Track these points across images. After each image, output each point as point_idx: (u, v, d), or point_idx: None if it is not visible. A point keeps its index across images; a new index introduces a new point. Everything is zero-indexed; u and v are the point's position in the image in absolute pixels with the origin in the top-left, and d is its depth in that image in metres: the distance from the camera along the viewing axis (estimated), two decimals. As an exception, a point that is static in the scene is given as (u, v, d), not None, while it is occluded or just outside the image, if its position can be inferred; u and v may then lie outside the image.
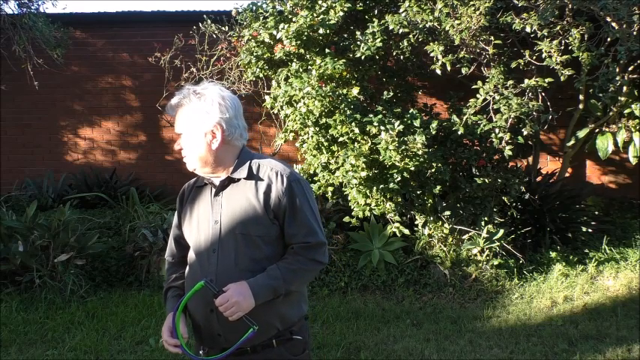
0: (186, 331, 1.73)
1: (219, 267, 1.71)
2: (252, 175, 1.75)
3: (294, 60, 4.74)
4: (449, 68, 4.48)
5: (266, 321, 1.70)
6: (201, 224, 1.79)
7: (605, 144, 4.99)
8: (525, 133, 4.44)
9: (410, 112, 4.43)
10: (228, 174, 1.76)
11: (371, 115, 4.29)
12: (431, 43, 4.50)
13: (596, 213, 5.52)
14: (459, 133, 4.46)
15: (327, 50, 4.62)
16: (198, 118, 1.73)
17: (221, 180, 1.77)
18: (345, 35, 4.96)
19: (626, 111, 4.88)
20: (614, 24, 4.23)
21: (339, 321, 4.07)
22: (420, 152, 4.12)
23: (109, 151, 6.82)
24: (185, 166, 1.81)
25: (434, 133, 4.32)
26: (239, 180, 1.75)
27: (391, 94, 4.99)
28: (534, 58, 4.45)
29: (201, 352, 1.79)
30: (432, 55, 4.50)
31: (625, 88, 4.79)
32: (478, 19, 4.22)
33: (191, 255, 1.84)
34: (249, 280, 1.66)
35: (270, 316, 1.72)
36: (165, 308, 1.88)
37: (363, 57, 4.55)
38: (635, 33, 4.17)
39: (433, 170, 4.37)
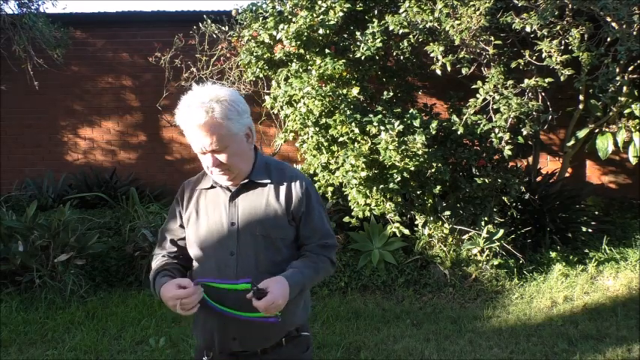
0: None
1: (238, 270, 1.67)
2: (271, 178, 1.75)
3: (294, 60, 4.74)
4: (449, 68, 4.48)
5: (283, 322, 1.69)
6: (214, 227, 1.73)
7: (605, 144, 4.99)
8: (525, 132, 4.43)
9: (410, 112, 4.43)
10: (246, 177, 1.73)
11: (371, 115, 4.29)
12: (431, 44, 4.50)
13: (596, 213, 5.53)
14: (459, 133, 4.46)
15: (327, 50, 4.62)
16: (235, 125, 1.62)
17: (242, 183, 1.73)
18: (345, 35, 4.96)
19: (626, 111, 4.88)
20: (614, 24, 4.23)
21: (339, 321, 4.07)
22: (420, 152, 4.12)
23: (109, 151, 6.82)
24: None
25: (434, 133, 4.32)
26: (258, 183, 1.74)
27: (391, 94, 4.99)
28: (534, 58, 4.45)
29: (205, 359, 1.77)
30: (432, 55, 4.50)
31: (625, 88, 4.79)
32: (478, 20, 4.22)
33: (200, 258, 1.76)
34: (287, 276, 1.62)
35: (288, 317, 1.71)
36: (155, 287, 1.72)
37: (363, 57, 4.55)
38: (635, 33, 4.17)
39: (433, 170, 4.37)
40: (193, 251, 1.78)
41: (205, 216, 1.76)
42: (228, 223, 1.72)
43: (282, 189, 1.74)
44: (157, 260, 1.84)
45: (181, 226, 1.83)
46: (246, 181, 1.73)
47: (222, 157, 1.63)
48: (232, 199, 1.73)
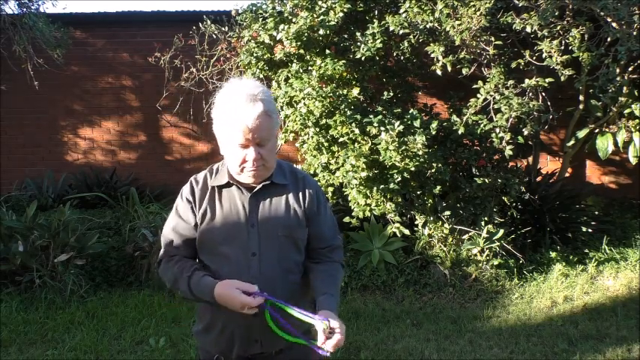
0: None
1: (261, 271, 1.66)
2: (287, 180, 1.76)
3: (295, 61, 4.74)
4: (449, 68, 4.48)
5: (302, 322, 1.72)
6: (232, 227, 1.69)
7: (605, 144, 4.99)
8: (526, 132, 4.44)
9: (410, 112, 4.43)
10: (266, 178, 1.72)
11: (371, 116, 4.29)
12: (431, 44, 4.50)
13: (596, 213, 5.53)
14: (459, 133, 4.46)
15: (327, 51, 4.62)
16: (276, 121, 1.66)
17: (264, 184, 1.71)
18: (346, 36, 4.96)
19: (626, 111, 4.88)
20: (614, 24, 4.23)
21: (339, 321, 4.07)
22: (420, 152, 4.12)
23: (109, 151, 6.82)
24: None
25: (434, 133, 4.32)
26: (277, 184, 1.74)
27: (391, 94, 4.99)
28: (534, 58, 4.45)
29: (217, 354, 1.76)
30: (432, 55, 4.50)
31: (625, 88, 4.79)
32: (478, 20, 4.22)
33: (217, 259, 1.70)
34: (332, 308, 1.63)
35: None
36: (195, 284, 1.64)
37: (363, 58, 4.55)
38: (635, 33, 4.17)
39: (433, 170, 4.37)
40: (207, 252, 1.72)
41: (221, 215, 1.70)
42: (247, 224, 1.69)
43: (299, 190, 1.76)
44: (180, 261, 1.72)
45: (195, 225, 1.73)
46: (268, 182, 1.72)
47: (263, 151, 1.62)
48: (252, 200, 1.71)
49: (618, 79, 4.44)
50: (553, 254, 4.87)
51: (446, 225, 4.75)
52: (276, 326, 1.60)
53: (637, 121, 4.87)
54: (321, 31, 4.50)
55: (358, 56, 4.55)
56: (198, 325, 1.82)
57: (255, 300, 1.55)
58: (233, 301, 1.56)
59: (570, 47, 4.29)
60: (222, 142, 1.69)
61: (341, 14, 4.49)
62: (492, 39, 4.49)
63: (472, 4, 4.25)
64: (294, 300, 1.64)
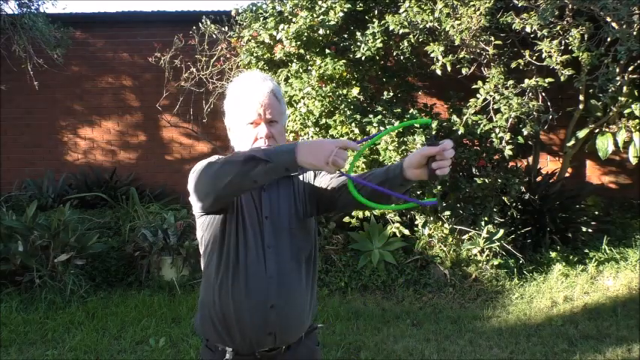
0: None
1: (278, 264, 1.65)
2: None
3: (294, 60, 4.74)
4: (449, 68, 4.48)
5: (307, 314, 1.73)
6: (248, 219, 1.68)
7: (605, 144, 4.99)
8: (525, 133, 4.44)
9: (410, 112, 4.43)
10: None
11: (371, 116, 4.29)
12: (431, 44, 4.50)
13: (596, 213, 5.53)
14: (459, 133, 4.46)
15: (327, 51, 4.62)
16: (284, 108, 1.73)
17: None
18: (345, 36, 4.96)
19: (626, 111, 4.88)
20: (614, 24, 4.23)
21: (339, 321, 4.07)
22: (420, 152, 4.11)
23: (109, 151, 6.82)
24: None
25: (434, 133, 4.32)
26: (285, 177, 1.72)
27: (391, 94, 4.99)
28: (534, 58, 4.45)
29: (228, 348, 1.67)
30: (432, 55, 4.50)
31: (625, 88, 4.79)
32: (478, 20, 4.22)
33: (230, 250, 1.66)
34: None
35: (311, 308, 1.75)
36: (276, 150, 1.45)
37: (363, 57, 4.55)
38: (635, 33, 4.17)
39: (433, 170, 4.36)
40: (226, 240, 1.67)
41: (239, 205, 1.69)
42: (262, 216, 1.69)
43: (300, 180, 1.77)
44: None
45: None
46: None
47: (274, 130, 1.67)
48: (264, 193, 1.71)
49: (618, 79, 4.44)
50: (553, 254, 4.87)
51: (446, 225, 4.75)
52: (359, 194, 1.43)
53: (637, 121, 4.87)
54: (321, 31, 4.50)
55: (358, 56, 4.55)
56: (204, 310, 1.72)
57: (353, 143, 1.39)
58: (323, 146, 1.37)
59: (570, 47, 4.29)
60: (233, 128, 1.73)
61: (341, 14, 4.49)
62: (492, 39, 4.49)
63: (472, 3, 4.25)
64: (303, 290, 1.67)
